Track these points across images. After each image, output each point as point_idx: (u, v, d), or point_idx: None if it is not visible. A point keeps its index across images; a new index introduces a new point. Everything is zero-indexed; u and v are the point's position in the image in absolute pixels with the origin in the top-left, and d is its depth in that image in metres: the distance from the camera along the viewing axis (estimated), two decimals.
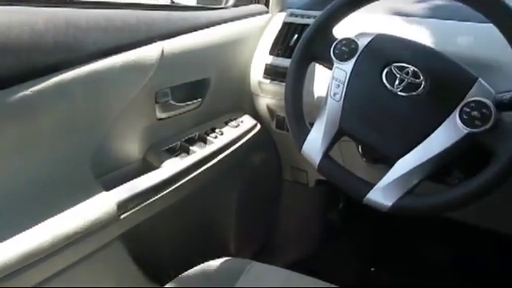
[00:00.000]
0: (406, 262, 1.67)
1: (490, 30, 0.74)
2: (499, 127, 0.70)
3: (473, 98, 0.72)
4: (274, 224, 1.63)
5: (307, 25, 0.92)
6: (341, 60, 0.84)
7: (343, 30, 0.89)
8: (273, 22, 1.28)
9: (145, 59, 0.94)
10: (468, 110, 0.72)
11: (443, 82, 0.77)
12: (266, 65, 1.22)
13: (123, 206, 0.91)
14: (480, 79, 0.75)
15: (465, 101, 0.73)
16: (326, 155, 0.83)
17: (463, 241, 1.63)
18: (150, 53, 0.95)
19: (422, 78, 0.78)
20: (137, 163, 1.06)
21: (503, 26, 0.72)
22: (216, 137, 1.17)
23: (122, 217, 0.91)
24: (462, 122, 0.72)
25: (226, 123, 1.24)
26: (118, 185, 0.94)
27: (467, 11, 0.77)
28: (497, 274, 1.36)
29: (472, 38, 0.97)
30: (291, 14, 1.25)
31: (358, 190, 0.79)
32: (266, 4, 1.31)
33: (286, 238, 1.64)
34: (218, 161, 1.14)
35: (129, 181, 0.96)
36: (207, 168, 1.11)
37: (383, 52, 0.83)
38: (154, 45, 0.97)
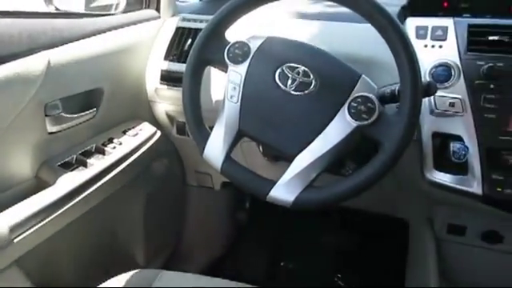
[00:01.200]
0: (312, 252, 1.74)
1: (371, 29, 0.80)
2: (383, 119, 0.76)
3: (358, 94, 0.78)
4: (183, 230, 1.61)
5: (200, 29, 0.92)
6: (235, 63, 0.86)
7: (236, 32, 0.91)
8: (165, 27, 1.26)
9: (29, 71, 0.88)
10: (355, 104, 0.77)
11: (331, 79, 0.82)
12: (162, 71, 1.20)
13: (17, 228, 0.85)
14: (363, 76, 0.81)
15: (351, 96, 0.78)
16: (228, 157, 0.85)
17: (362, 227, 1.75)
18: (34, 64, 0.90)
19: (312, 76, 0.82)
20: (29, 182, 0.99)
21: (379, 26, 0.78)
22: (114, 147, 1.13)
23: (17, 240, 0.85)
24: (350, 116, 0.77)
25: (124, 132, 1.20)
26: (10, 206, 0.87)
27: (353, 13, 0.82)
28: (396, 256, 1.48)
29: (356, 38, 1.03)
30: (183, 19, 1.25)
31: (260, 188, 0.82)
32: (157, 9, 1.30)
33: (195, 243, 1.64)
34: (119, 172, 1.10)
35: (21, 201, 0.90)
36: (108, 180, 1.07)
37: (274, 53, 0.86)
38: (39, 55, 0.91)
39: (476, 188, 0.88)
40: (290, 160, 0.80)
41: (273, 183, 0.80)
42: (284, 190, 0.79)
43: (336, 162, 0.80)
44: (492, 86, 0.89)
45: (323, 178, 0.80)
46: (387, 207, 1.31)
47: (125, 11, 1.25)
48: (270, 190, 0.80)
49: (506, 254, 1.09)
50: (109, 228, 1.21)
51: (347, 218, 1.71)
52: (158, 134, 1.27)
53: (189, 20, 1.24)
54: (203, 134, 0.87)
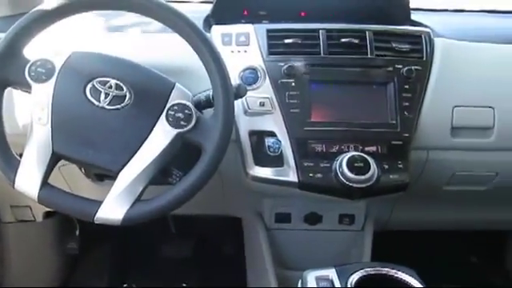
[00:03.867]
0: (154, 265, 1.72)
1: (180, 39, 0.82)
2: (201, 124, 0.79)
3: (174, 102, 0.80)
4: (4, 273, 1.45)
5: None
6: (39, 82, 0.80)
7: (38, 49, 0.85)
8: None
9: None
10: (172, 112, 0.79)
11: (145, 90, 0.82)
12: None
13: None
14: (177, 84, 0.84)
15: (168, 105, 0.80)
16: (45, 184, 0.78)
17: (200, 231, 1.78)
18: None
19: (125, 89, 0.81)
20: None
21: (186, 36, 0.81)
22: None
23: None
24: (169, 124, 0.78)
25: None
26: None
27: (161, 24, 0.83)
28: (235, 254, 1.53)
29: (165, 48, 1.04)
30: None
31: (86, 211, 0.78)
32: None
33: (21, 285, 1.48)
34: None
35: None
36: None
37: (82, 69, 0.82)
38: None
39: (292, 177, 0.96)
40: (114, 177, 0.78)
41: (99, 203, 0.77)
42: (112, 209, 0.76)
43: (161, 171, 0.81)
44: (293, 83, 0.99)
45: (152, 190, 0.79)
46: (219, 208, 1.35)
47: None
48: (96, 211, 0.77)
49: (326, 231, 1.22)
50: None
51: (184, 225, 1.72)
52: None
53: None
54: (11, 163, 0.79)
